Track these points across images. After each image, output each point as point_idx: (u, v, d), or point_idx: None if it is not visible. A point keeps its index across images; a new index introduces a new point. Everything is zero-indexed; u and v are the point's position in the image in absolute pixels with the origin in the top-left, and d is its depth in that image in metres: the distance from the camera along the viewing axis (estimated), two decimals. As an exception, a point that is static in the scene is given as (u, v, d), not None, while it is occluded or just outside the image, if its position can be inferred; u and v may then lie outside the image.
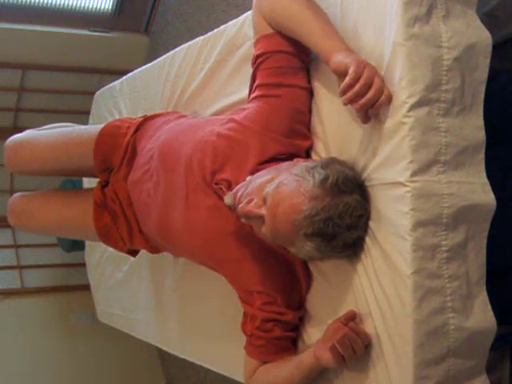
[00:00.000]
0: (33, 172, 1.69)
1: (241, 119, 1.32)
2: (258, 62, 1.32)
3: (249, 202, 1.15)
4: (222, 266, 1.40)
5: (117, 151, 1.63)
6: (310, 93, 1.31)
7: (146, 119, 1.67)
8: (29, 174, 1.71)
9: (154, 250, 1.69)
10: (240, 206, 1.16)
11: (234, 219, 1.29)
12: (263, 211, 1.12)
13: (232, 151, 1.30)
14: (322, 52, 1.16)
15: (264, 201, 1.13)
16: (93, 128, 1.71)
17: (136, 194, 1.56)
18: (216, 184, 1.31)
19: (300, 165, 1.15)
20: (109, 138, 1.64)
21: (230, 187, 1.28)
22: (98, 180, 1.72)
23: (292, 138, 1.28)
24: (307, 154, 1.32)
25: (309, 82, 1.31)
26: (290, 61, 1.29)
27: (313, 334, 1.31)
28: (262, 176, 1.18)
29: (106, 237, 1.69)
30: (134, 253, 1.79)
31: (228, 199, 1.22)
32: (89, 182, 2.34)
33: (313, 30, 1.19)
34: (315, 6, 1.24)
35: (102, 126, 1.69)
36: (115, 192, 1.64)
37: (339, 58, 1.10)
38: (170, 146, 1.43)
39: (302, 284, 1.32)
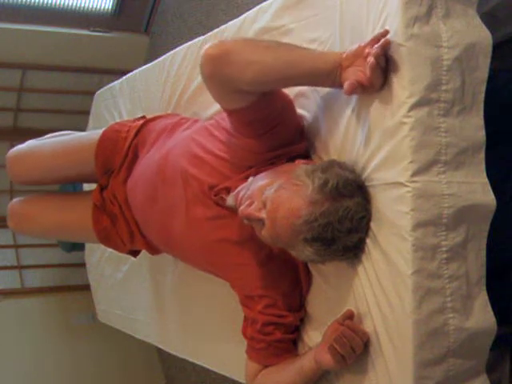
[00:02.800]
0: (36, 181, 1.70)
1: (233, 144, 1.30)
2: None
3: (249, 204, 1.15)
4: (223, 272, 1.41)
5: (117, 154, 1.63)
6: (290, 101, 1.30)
7: (146, 122, 1.67)
8: (32, 184, 1.72)
9: (155, 251, 1.70)
10: (240, 208, 1.16)
11: (234, 226, 1.30)
12: (263, 215, 1.12)
13: (229, 170, 1.30)
14: (330, 66, 1.12)
15: (264, 204, 1.13)
16: (93, 134, 1.72)
17: (134, 203, 1.57)
18: (215, 195, 1.31)
19: (300, 168, 1.15)
20: (109, 142, 1.64)
21: (229, 193, 1.28)
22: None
23: (287, 147, 1.27)
24: (306, 152, 1.32)
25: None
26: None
27: (313, 335, 1.31)
28: (263, 178, 1.18)
29: (106, 239, 1.69)
30: (134, 253, 1.79)
31: (230, 200, 1.23)
32: (89, 185, 2.34)
33: (302, 60, 1.14)
34: (274, 42, 1.22)
35: (101, 131, 1.69)
36: (114, 195, 1.64)
37: (351, 49, 1.10)
38: (167, 160, 1.42)
39: (302, 285, 1.32)
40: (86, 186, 2.35)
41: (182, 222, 1.38)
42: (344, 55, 1.11)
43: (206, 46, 1.17)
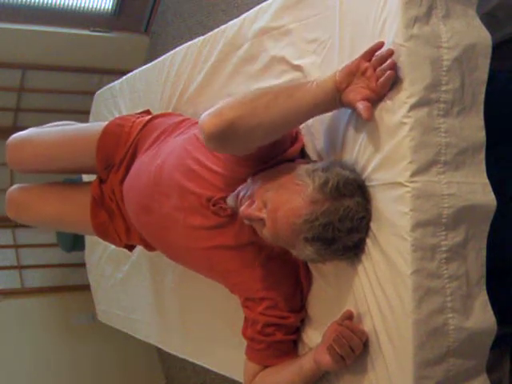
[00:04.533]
0: (35, 170, 1.68)
1: (228, 160, 1.29)
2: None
3: (250, 204, 1.15)
4: (224, 277, 1.40)
5: (120, 149, 1.62)
6: None
7: (151, 119, 1.65)
8: (30, 172, 1.71)
9: (151, 248, 1.69)
10: (241, 208, 1.16)
11: (232, 232, 1.30)
12: (263, 214, 1.12)
13: (222, 183, 1.30)
14: (330, 94, 1.10)
15: (264, 204, 1.13)
16: (95, 125, 1.71)
17: (129, 207, 1.56)
18: (214, 205, 1.30)
19: (301, 168, 1.15)
20: (112, 137, 1.63)
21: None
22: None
23: (284, 153, 1.27)
24: (302, 153, 1.32)
25: None
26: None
27: (313, 335, 1.31)
28: (263, 178, 1.18)
29: (104, 234, 1.70)
30: (131, 247, 1.79)
31: (230, 201, 1.23)
32: (88, 177, 2.33)
33: (305, 100, 1.11)
34: (271, 94, 1.13)
35: (104, 123, 1.68)
36: (112, 190, 1.64)
37: (342, 69, 1.09)
38: (162, 170, 1.41)
39: (303, 285, 1.32)
40: (86, 178, 2.35)
41: (179, 231, 1.38)
42: (337, 78, 1.09)
43: (205, 121, 1.10)
